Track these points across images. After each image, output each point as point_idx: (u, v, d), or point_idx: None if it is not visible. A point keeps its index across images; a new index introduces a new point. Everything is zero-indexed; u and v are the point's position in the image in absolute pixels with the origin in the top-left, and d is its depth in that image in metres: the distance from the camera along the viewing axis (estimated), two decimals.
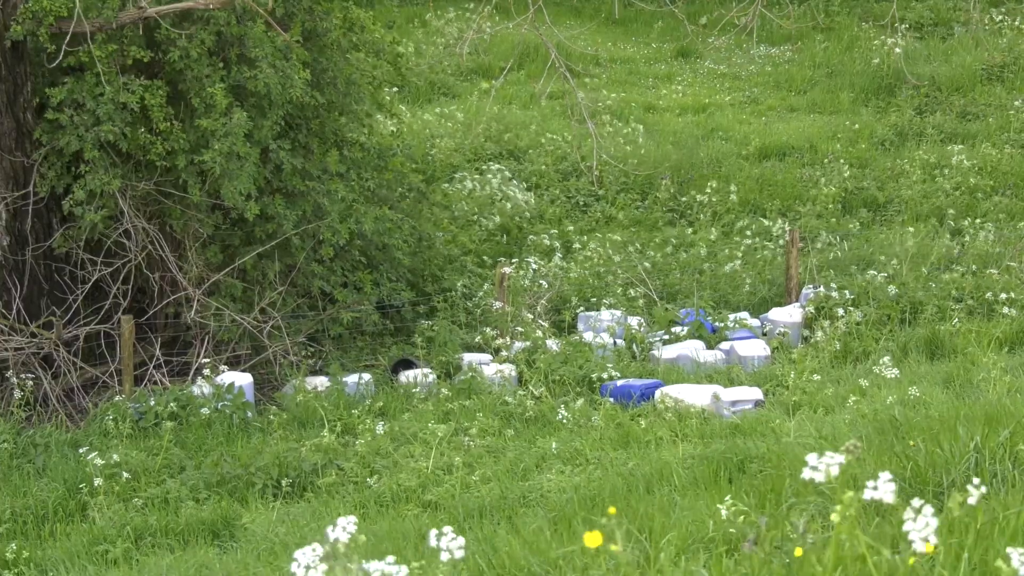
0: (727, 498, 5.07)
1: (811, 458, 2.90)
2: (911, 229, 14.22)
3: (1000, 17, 22.50)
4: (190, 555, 7.15)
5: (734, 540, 4.91)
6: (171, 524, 7.74)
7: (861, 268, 13.22)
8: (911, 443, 5.86)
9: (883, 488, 2.84)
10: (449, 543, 2.80)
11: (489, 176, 16.41)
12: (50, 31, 10.24)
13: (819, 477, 2.85)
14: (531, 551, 5.33)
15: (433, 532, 2.84)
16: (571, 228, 15.59)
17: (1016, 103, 18.93)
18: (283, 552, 6.72)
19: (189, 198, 10.81)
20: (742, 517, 4.76)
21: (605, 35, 24.52)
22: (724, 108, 20.36)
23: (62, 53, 10.36)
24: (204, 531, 7.70)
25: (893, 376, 9.33)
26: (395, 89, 15.81)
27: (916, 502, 2.96)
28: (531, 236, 15.12)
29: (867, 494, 2.89)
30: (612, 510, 3.04)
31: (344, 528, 2.77)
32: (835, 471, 2.84)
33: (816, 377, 10.06)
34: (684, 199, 16.43)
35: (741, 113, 20.15)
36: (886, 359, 9.87)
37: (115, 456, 8.55)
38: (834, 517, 2.89)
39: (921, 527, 2.90)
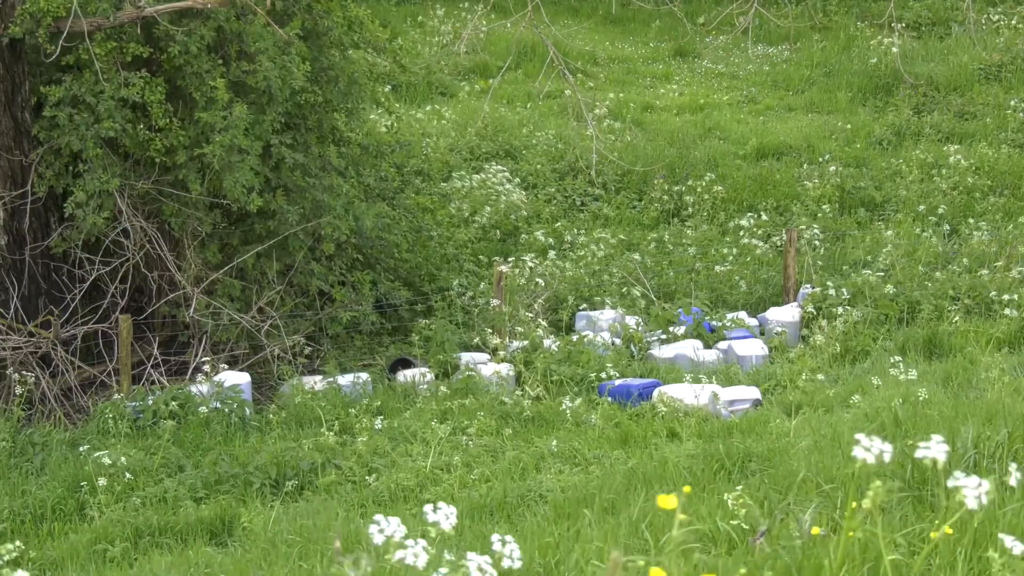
0: (727, 496, 5.07)
1: (860, 437, 2.89)
2: (888, 233, 14.21)
3: (997, 17, 22.52)
4: (189, 554, 7.14)
5: (735, 538, 4.91)
6: (170, 523, 7.73)
7: (855, 267, 13.24)
8: (908, 442, 5.86)
9: (935, 448, 2.83)
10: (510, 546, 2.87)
11: (485, 175, 16.41)
12: (49, 31, 10.23)
13: (870, 459, 2.83)
14: (535, 550, 5.32)
15: (496, 536, 2.88)
16: (560, 225, 15.58)
17: (1013, 103, 18.94)
18: (283, 551, 6.71)
19: (188, 197, 10.81)
20: (744, 511, 4.76)
21: (602, 34, 24.53)
22: (722, 107, 20.36)
23: (59, 51, 10.34)
24: (203, 530, 7.69)
25: (911, 378, 9.28)
26: (389, 88, 15.81)
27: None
28: (526, 235, 15.12)
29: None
30: (687, 488, 3.08)
31: (447, 517, 2.82)
32: (887, 457, 2.83)
33: (820, 377, 10.06)
34: (677, 190, 16.44)
35: (739, 112, 20.16)
36: (897, 359, 9.82)
37: (123, 459, 8.53)
38: (866, 503, 2.88)
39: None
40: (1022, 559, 2.93)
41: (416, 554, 2.68)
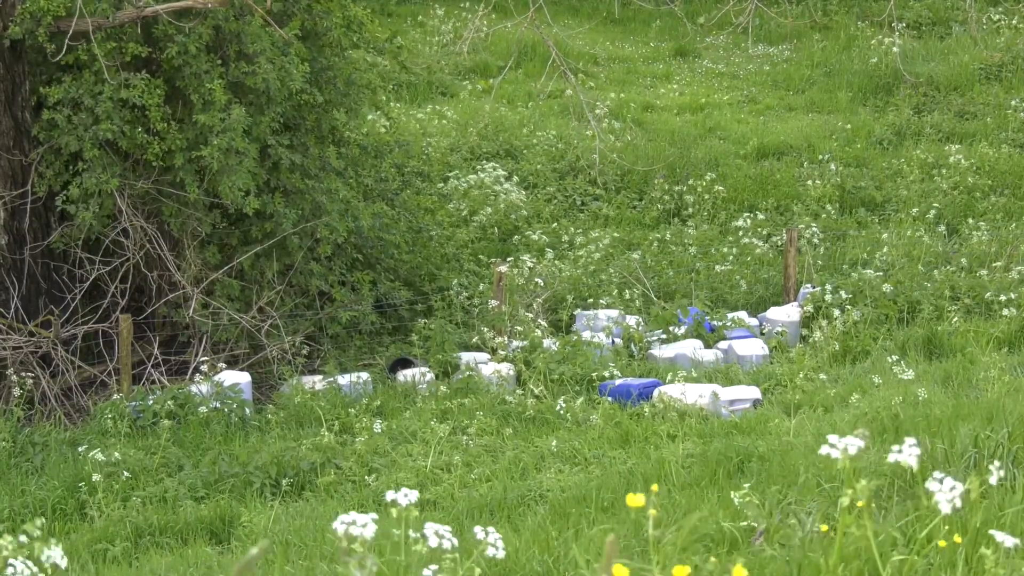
0: (734, 495, 5.06)
1: (832, 438, 2.92)
2: (884, 236, 14.19)
3: (998, 16, 22.52)
4: (189, 554, 7.15)
5: (735, 538, 4.91)
6: (170, 523, 7.73)
7: (855, 267, 13.24)
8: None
9: (907, 451, 2.84)
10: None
11: (484, 175, 16.39)
12: (48, 31, 10.22)
13: (836, 454, 2.85)
14: (535, 548, 5.32)
15: (479, 528, 2.98)
16: (556, 226, 15.57)
17: (1014, 102, 18.94)
18: (282, 551, 6.71)
19: (187, 197, 10.80)
20: (753, 512, 4.75)
21: (603, 34, 24.52)
22: (722, 107, 20.36)
23: (64, 50, 10.33)
24: (203, 530, 7.69)
25: (909, 377, 9.29)
26: (390, 87, 15.80)
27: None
28: (526, 233, 15.12)
29: (892, 457, 2.89)
30: (655, 487, 3.10)
31: (406, 495, 2.98)
32: (852, 451, 2.84)
33: (822, 376, 10.06)
34: (678, 190, 16.44)
35: (739, 112, 20.16)
36: (895, 358, 9.84)
37: (116, 455, 8.53)
38: (843, 500, 2.89)
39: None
40: (1014, 555, 2.93)
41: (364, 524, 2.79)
